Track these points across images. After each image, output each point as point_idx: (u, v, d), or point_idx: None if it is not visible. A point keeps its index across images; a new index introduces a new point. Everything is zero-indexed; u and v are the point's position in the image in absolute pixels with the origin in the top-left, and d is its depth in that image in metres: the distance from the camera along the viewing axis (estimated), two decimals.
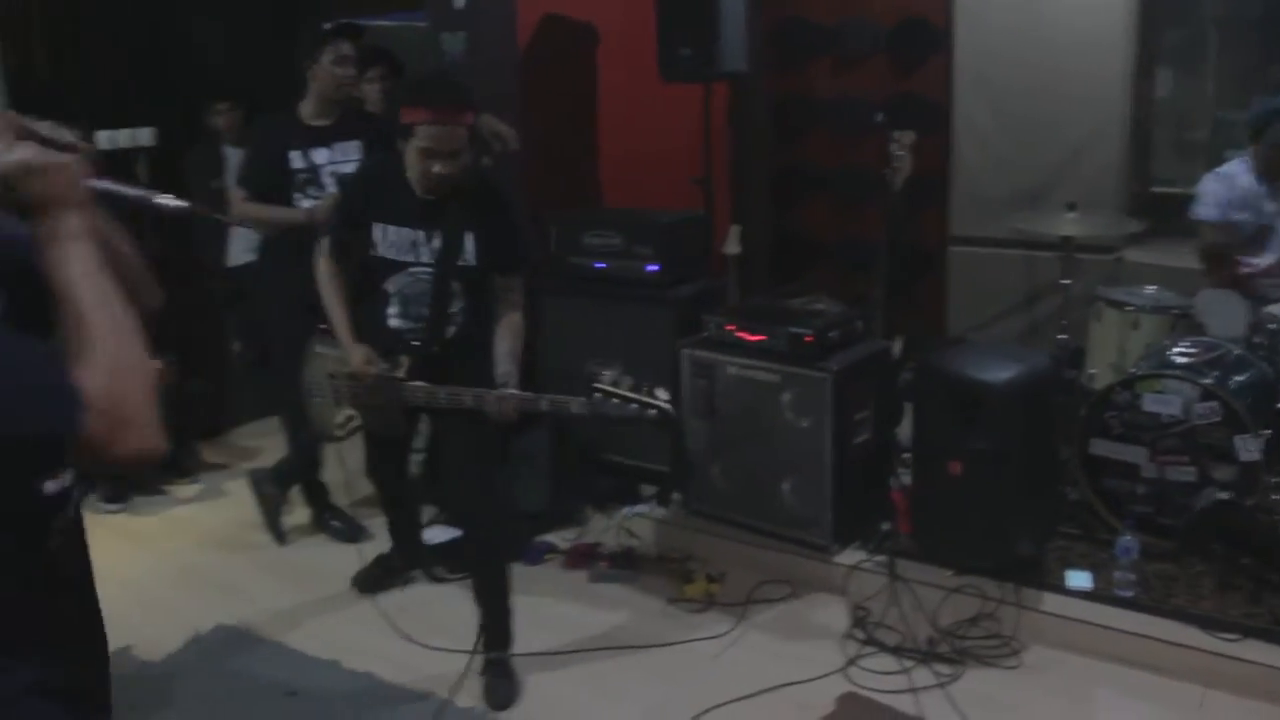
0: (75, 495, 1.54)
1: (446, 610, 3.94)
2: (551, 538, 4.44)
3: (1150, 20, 5.01)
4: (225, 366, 5.80)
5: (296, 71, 4.29)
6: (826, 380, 3.85)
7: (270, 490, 4.54)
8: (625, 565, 4.18)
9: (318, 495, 4.65)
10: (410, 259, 3.38)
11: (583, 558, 4.26)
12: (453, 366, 3.37)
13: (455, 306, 3.40)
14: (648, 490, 4.62)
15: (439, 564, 4.18)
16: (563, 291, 4.69)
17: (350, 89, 4.31)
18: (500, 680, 3.46)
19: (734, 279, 4.78)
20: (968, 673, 3.44)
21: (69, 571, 1.58)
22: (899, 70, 5.47)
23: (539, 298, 4.66)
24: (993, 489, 3.59)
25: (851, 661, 3.53)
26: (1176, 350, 3.87)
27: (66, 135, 1.50)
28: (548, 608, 3.95)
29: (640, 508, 4.54)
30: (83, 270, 1.44)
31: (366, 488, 4.26)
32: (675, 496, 4.45)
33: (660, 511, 4.48)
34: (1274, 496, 3.73)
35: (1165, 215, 4.96)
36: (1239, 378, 3.75)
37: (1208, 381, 3.63)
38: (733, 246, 4.76)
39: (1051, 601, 3.63)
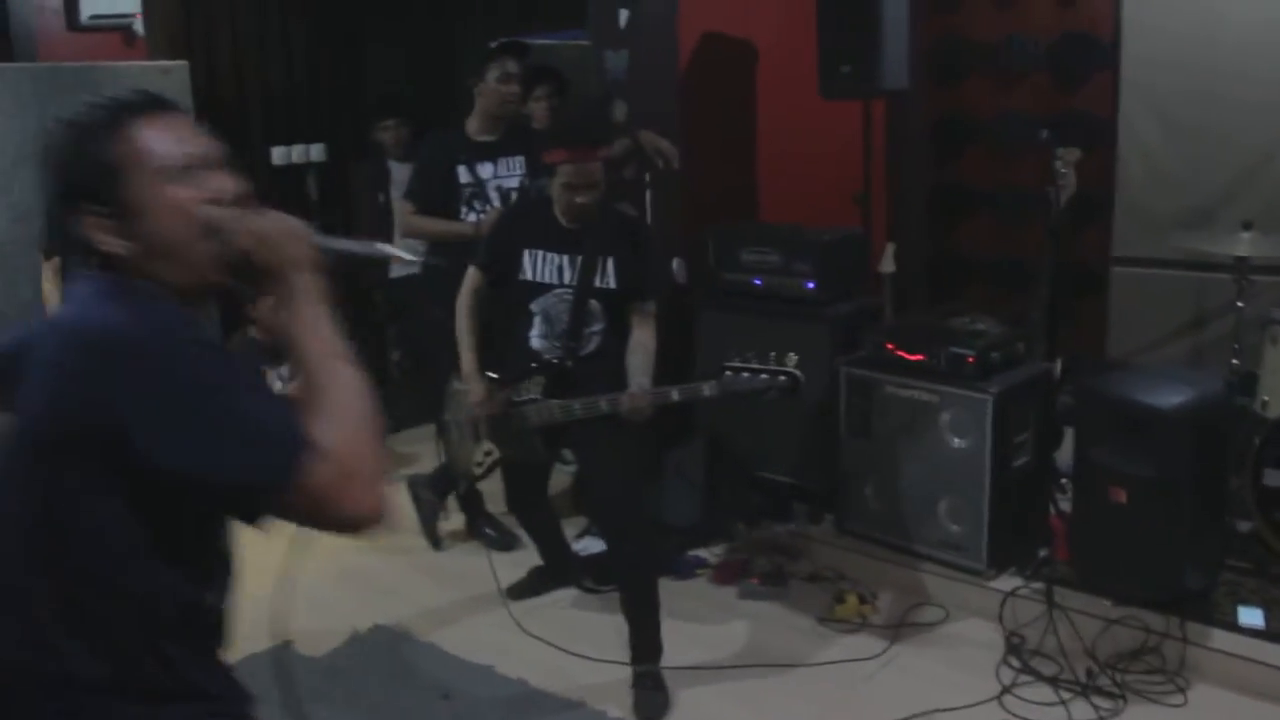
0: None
1: (599, 621, 3.99)
2: (702, 552, 4.46)
3: None
4: (385, 375, 5.99)
5: (462, 89, 4.42)
6: (988, 402, 3.78)
7: (427, 496, 4.66)
8: (775, 582, 4.17)
9: (473, 503, 4.75)
10: (555, 281, 3.61)
11: (733, 573, 4.26)
12: (587, 381, 3.55)
13: (593, 326, 3.63)
14: (800, 508, 4.60)
15: (589, 575, 4.24)
16: (719, 307, 4.69)
17: (515, 106, 4.43)
18: (650, 693, 3.50)
19: (889, 297, 4.73)
20: (1129, 708, 3.33)
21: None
22: (1061, 85, 5.34)
23: (696, 312, 4.70)
24: (1160, 518, 3.47)
25: (1007, 690, 3.46)
26: None
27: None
28: (697, 622, 3.96)
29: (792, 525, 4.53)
30: (316, 329, 1.51)
31: None
32: (828, 515, 4.43)
33: (812, 529, 4.46)
34: None
35: None
36: None
37: None
38: (888, 265, 4.71)
39: (1221, 639, 3.49)
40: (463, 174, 4.31)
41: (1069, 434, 4.33)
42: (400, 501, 4.75)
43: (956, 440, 3.88)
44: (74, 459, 1.39)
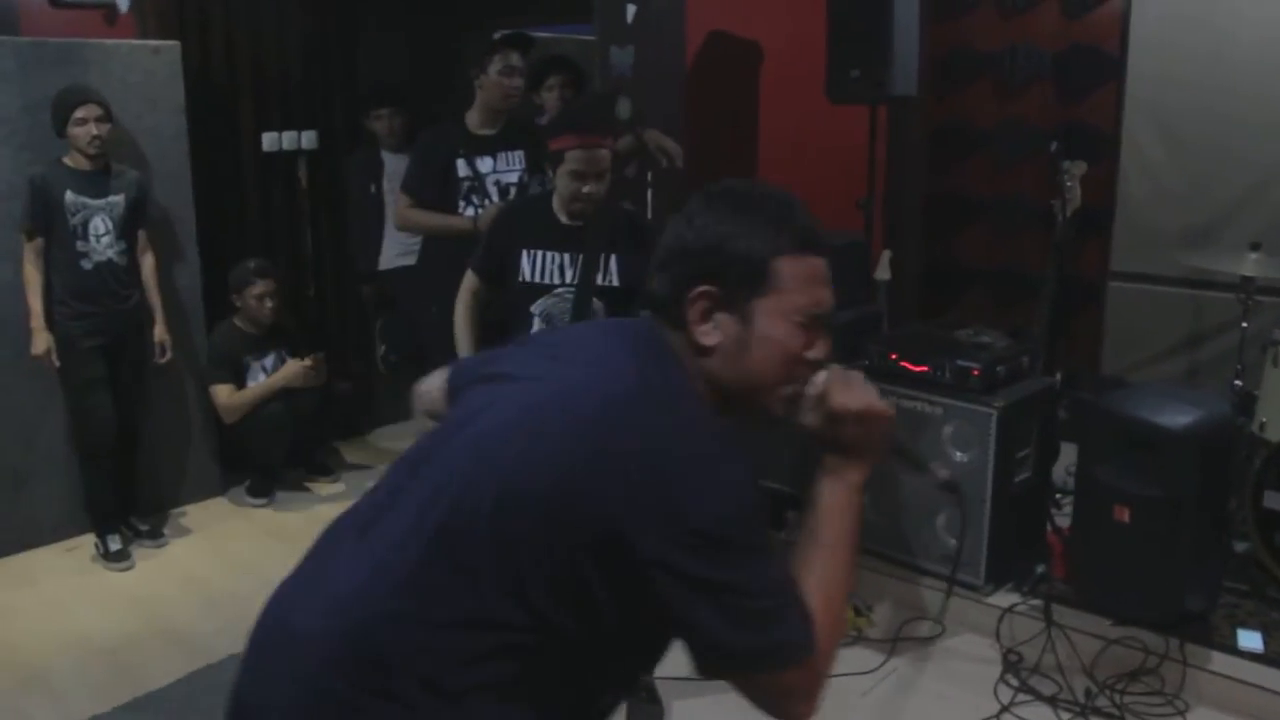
0: None
1: None
2: None
3: None
4: (370, 369, 5.89)
5: (463, 80, 4.33)
6: (992, 416, 3.73)
7: None
8: None
9: None
10: (556, 281, 3.52)
11: None
12: None
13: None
14: (795, 517, 4.54)
15: None
16: None
17: (516, 100, 4.34)
18: (644, 704, 3.42)
19: (885, 305, 4.68)
20: None
21: None
22: (1065, 97, 5.32)
23: None
24: (1163, 538, 3.42)
25: (1006, 708, 3.41)
26: None
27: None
28: None
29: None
30: (844, 516, 1.48)
31: None
32: None
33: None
34: None
35: None
36: None
37: None
38: (884, 272, 4.67)
39: (1220, 661, 3.45)
40: (461, 167, 4.23)
41: (1065, 449, 4.31)
42: None
43: (959, 453, 3.83)
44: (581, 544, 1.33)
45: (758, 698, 1.40)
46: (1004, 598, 3.84)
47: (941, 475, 1.86)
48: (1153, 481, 3.42)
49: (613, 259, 3.52)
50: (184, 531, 4.88)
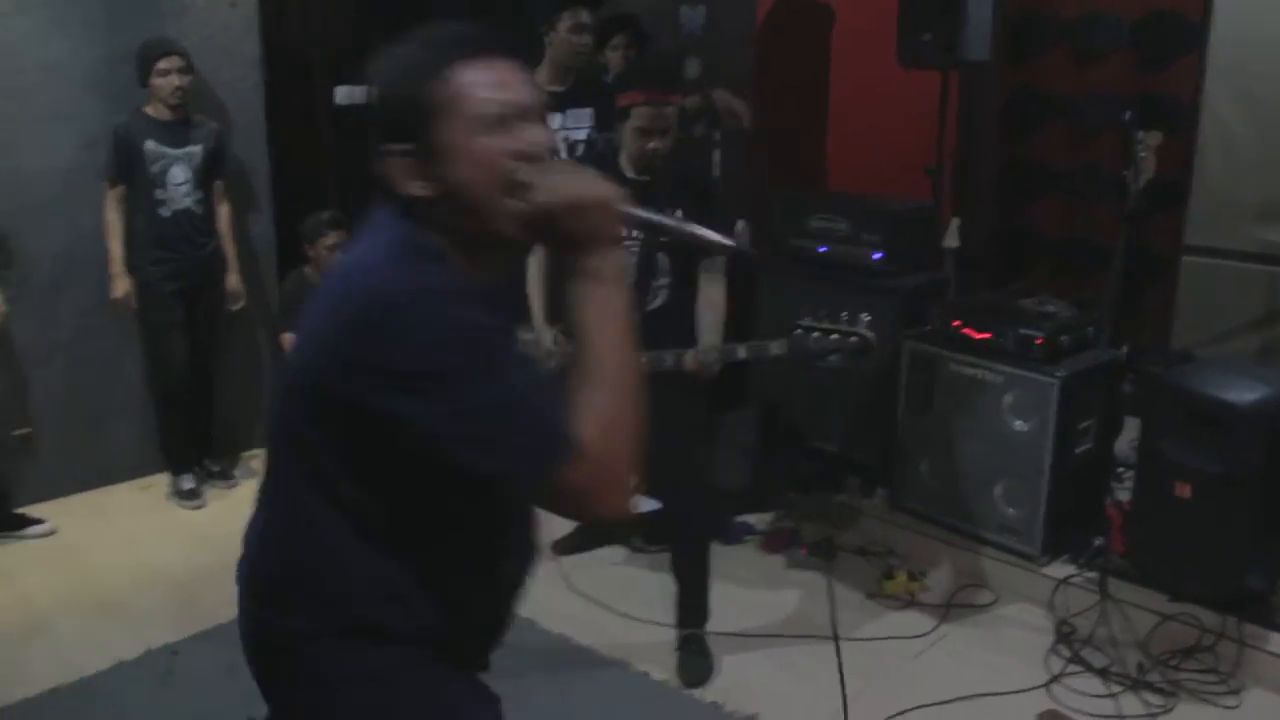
0: None
1: (645, 580, 3.98)
2: (751, 519, 4.43)
3: None
4: None
5: (532, 36, 4.35)
6: (1053, 386, 3.71)
7: None
8: (824, 554, 4.14)
9: None
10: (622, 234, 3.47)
11: (781, 542, 4.24)
12: (653, 336, 3.42)
13: (661, 280, 3.51)
14: (852, 480, 4.56)
15: (639, 534, 4.22)
16: (781, 273, 4.62)
17: (586, 57, 4.36)
18: (695, 657, 3.48)
19: (952, 273, 4.65)
20: (1179, 706, 3.29)
21: None
22: (1144, 66, 5.21)
23: (757, 277, 4.63)
24: (1225, 516, 3.40)
25: (1055, 679, 3.42)
26: None
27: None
28: (744, 589, 3.95)
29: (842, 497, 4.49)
30: (605, 310, 1.43)
31: None
32: (879, 489, 4.38)
33: (864, 503, 4.42)
34: None
35: None
36: None
37: None
38: (952, 239, 4.63)
39: (1278, 642, 3.43)
40: None
41: (1128, 423, 4.27)
42: None
43: (1018, 422, 3.82)
44: (336, 413, 1.43)
45: (550, 507, 1.45)
46: (1059, 569, 3.83)
47: (720, 241, 1.60)
48: (1216, 458, 3.39)
49: (678, 214, 3.51)
50: (254, 474, 5.01)
